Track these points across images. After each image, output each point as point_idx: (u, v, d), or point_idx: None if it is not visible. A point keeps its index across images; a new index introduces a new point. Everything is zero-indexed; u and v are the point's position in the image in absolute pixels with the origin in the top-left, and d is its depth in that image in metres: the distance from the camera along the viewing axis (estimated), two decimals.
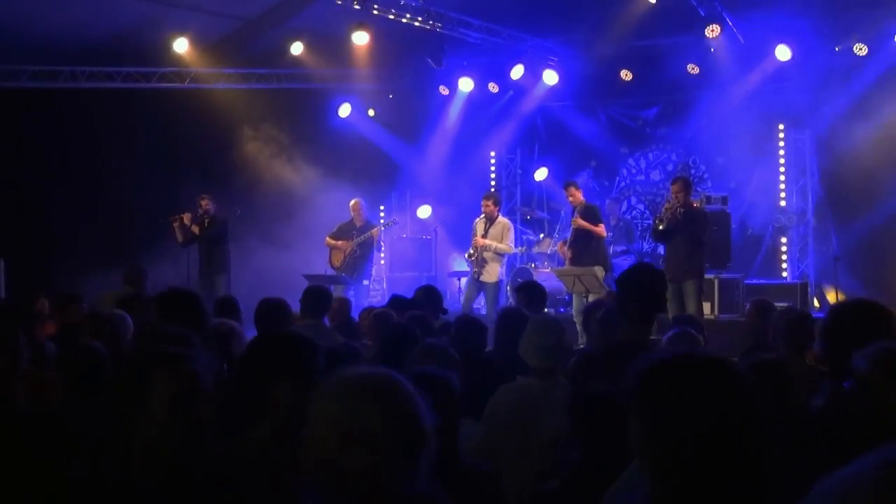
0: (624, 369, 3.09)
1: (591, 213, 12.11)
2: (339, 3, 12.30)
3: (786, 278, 13.77)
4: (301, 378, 2.93)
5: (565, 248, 12.36)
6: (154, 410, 2.58)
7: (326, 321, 7.15)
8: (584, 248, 11.93)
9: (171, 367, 2.65)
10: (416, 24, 13.04)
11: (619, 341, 4.47)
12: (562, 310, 13.15)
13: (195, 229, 12.82)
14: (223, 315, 6.12)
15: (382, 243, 14.81)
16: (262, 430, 2.93)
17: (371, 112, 15.77)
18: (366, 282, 13.42)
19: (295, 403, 2.84)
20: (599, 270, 11.37)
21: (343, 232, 13.27)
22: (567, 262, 12.15)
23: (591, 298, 11.05)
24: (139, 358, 2.78)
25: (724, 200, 13.33)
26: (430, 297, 7.23)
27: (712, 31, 12.43)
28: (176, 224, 12.90)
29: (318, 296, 6.99)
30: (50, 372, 4.68)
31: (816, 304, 13.24)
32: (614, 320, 5.05)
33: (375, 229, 13.02)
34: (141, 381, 2.61)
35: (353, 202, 13.40)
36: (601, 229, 12.13)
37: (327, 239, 13.36)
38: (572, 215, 12.36)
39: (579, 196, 12.28)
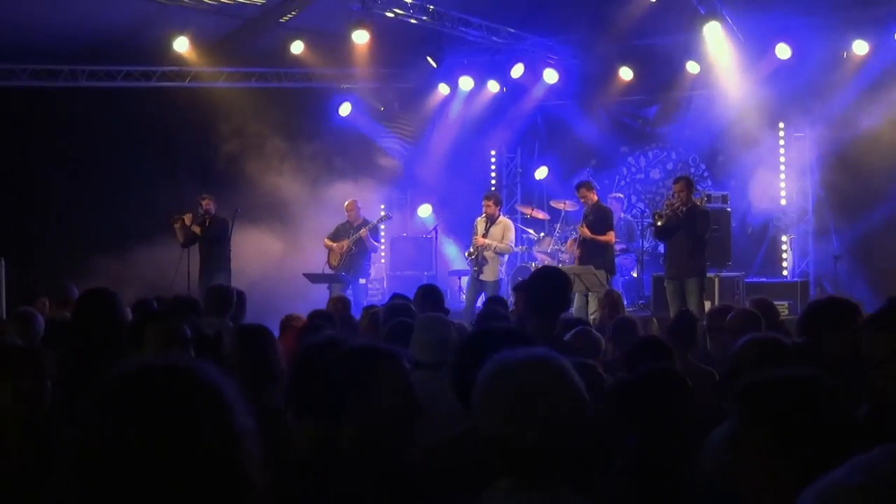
0: None
1: (602, 217, 12.05)
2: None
3: (786, 277, 13.78)
4: None
5: (574, 247, 12.36)
6: (380, 400, 2.79)
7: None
8: (593, 249, 11.92)
9: (393, 362, 2.87)
10: (416, 22, 13.04)
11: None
12: None
13: (196, 229, 12.81)
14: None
15: (382, 238, 14.86)
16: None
17: (381, 108, 15.83)
18: (363, 280, 13.43)
19: None
20: (601, 272, 11.37)
21: (340, 232, 13.31)
22: (576, 262, 12.13)
23: (591, 297, 11.07)
24: (364, 352, 2.98)
25: (725, 199, 13.33)
26: (429, 296, 7.22)
27: (712, 29, 12.44)
28: (177, 225, 12.88)
29: (220, 295, 6.96)
30: None
31: None
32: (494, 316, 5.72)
33: (363, 230, 13.03)
34: (368, 374, 2.83)
35: (347, 203, 13.45)
36: (609, 237, 12.06)
37: (325, 240, 13.40)
38: (582, 216, 12.32)
39: (592, 197, 12.22)
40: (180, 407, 1.53)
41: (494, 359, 2.41)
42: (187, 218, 12.86)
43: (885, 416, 2.41)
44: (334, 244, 13.25)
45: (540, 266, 6.10)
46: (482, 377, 2.39)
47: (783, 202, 13.94)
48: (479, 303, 12.43)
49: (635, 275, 13.73)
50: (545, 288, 5.09)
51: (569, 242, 12.90)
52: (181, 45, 13.96)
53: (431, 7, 12.87)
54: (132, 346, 3.74)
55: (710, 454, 3.06)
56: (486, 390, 2.36)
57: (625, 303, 10.31)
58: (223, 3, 13.10)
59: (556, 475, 2.30)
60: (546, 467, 2.29)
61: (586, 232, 11.91)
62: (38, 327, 5.90)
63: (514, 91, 15.45)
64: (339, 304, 7.56)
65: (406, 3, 12.75)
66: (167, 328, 3.69)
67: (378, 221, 13.64)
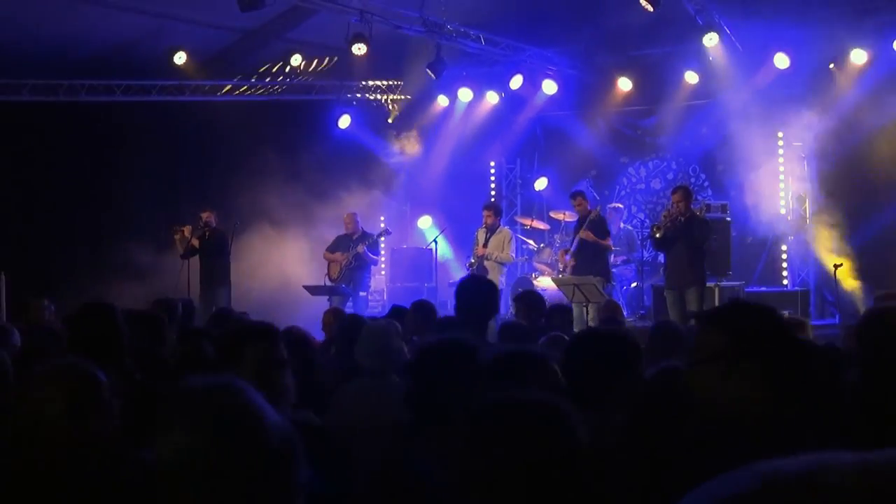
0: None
1: (600, 225, 12.09)
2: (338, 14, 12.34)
3: (786, 286, 13.76)
4: (633, 373, 3.36)
5: (566, 257, 12.36)
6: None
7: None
8: (590, 259, 11.93)
9: (541, 365, 2.90)
10: (415, 34, 13.06)
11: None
12: None
13: (195, 242, 12.82)
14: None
15: (382, 250, 14.88)
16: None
17: (390, 119, 15.96)
18: (363, 293, 13.44)
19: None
20: (599, 281, 11.37)
21: (340, 244, 13.33)
22: (568, 271, 12.15)
23: (590, 308, 11.06)
24: (513, 356, 3.01)
25: (724, 208, 13.33)
26: (420, 311, 7.18)
27: (710, 39, 12.47)
28: (177, 236, 12.90)
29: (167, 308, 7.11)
30: None
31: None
32: (450, 325, 5.87)
33: (360, 246, 13.05)
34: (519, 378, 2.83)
35: (345, 215, 13.48)
36: (609, 242, 12.14)
37: (325, 253, 13.41)
38: (577, 224, 12.34)
39: (586, 206, 12.26)
40: None
41: (180, 385, 2.28)
42: (187, 230, 12.87)
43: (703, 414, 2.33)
44: (335, 257, 13.27)
45: (467, 275, 6.20)
46: (164, 405, 2.26)
47: (783, 211, 13.92)
48: None
49: (635, 285, 13.72)
50: (474, 295, 5.29)
51: (560, 253, 12.89)
52: (180, 58, 14.00)
53: (430, 19, 12.89)
54: (226, 366, 3.49)
55: None
56: (169, 418, 2.21)
57: (625, 313, 10.32)
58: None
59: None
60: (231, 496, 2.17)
61: (590, 235, 11.90)
62: (14, 341, 5.89)
63: (513, 102, 15.47)
64: (334, 318, 7.53)
65: (405, 15, 12.77)
66: (267, 349, 3.51)
67: (377, 236, 13.65)
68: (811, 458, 0.91)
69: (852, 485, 0.87)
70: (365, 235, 13.29)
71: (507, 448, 1.93)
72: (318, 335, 7.59)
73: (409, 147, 16.02)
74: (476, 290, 5.37)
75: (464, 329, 5.14)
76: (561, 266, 12.60)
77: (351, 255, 13.10)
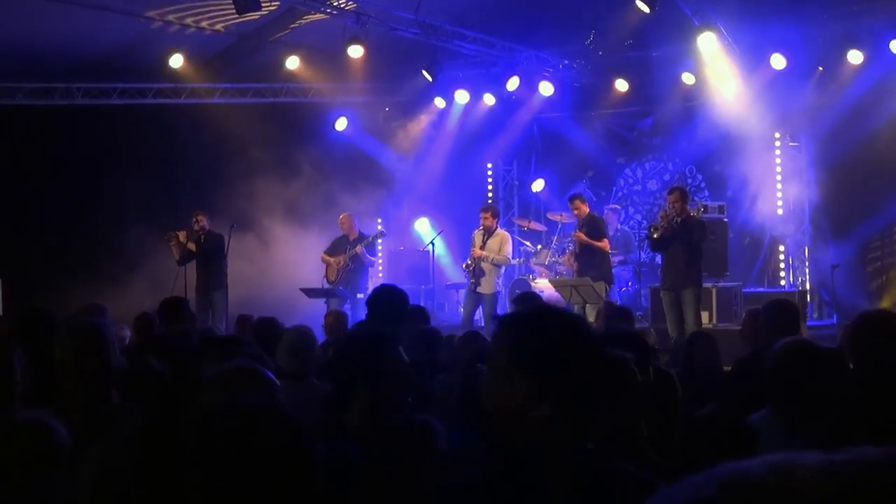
0: None
1: (595, 226, 12.08)
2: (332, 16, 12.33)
3: (783, 286, 13.76)
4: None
5: (572, 260, 12.36)
6: None
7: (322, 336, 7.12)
8: (589, 261, 11.92)
9: (620, 366, 3.00)
10: (411, 36, 13.05)
11: None
12: None
13: (191, 246, 12.78)
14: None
15: (379, 252, 14.87)
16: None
17: (393, 124, 16.04)
18: (360, 295, 13.41)
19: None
20: (599, 284, 11.35)
21: (337, 247, 13.31)
22: (574, 274, 12.14)
23: (588, 308, 11.06)
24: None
25: (721, 209, 13.32)
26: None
27: (707, 40, 12.46)
28: (172, 243, 12.83)
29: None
30: None
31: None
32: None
33: (359, 246, 13.04)
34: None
35: (342, 217, 13.45)
36: (604, 244, 12.08)
37: (322, 255, 13.40)
38: (576, 228, 12.33)
39: (585, 209, 12.23)
40: None
41: None
42: (181, 235, 12.81)
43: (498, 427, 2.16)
44: (332, 259, 13.25)
45: (380, 284, 6.38)
46: None
47: (780, 212, 13.93)
48: (477, 315, 12.44)
49: (632, 286, 13.72)
50: (386, 304, 5.58)
51: (566, 256, 12.88)
52: (176, 61, 13.97)
53: (426, 21, 12.88)
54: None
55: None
56: None
57: None
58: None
59: None
60: None
61: (582, 236, 11.89)
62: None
63: (509, 104, 15.46)
64: (335, 320, 7.53)
65: (401, 17, 12.77)
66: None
67: (374, 237, 13.63)
68: (775, 460, 0.88)
69: (817, 487, 0.85)
70: (361, 237, 13.29)
71: (230, 457, 1.87)
72: (319, 336, 7.59)
73: (405, 149, 16.02)
74: (388, 298, 5.62)
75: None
76: (565, 268, 12.60)
77: (348, 256, 13.09)
